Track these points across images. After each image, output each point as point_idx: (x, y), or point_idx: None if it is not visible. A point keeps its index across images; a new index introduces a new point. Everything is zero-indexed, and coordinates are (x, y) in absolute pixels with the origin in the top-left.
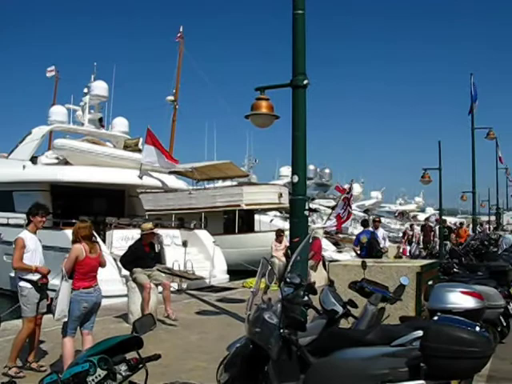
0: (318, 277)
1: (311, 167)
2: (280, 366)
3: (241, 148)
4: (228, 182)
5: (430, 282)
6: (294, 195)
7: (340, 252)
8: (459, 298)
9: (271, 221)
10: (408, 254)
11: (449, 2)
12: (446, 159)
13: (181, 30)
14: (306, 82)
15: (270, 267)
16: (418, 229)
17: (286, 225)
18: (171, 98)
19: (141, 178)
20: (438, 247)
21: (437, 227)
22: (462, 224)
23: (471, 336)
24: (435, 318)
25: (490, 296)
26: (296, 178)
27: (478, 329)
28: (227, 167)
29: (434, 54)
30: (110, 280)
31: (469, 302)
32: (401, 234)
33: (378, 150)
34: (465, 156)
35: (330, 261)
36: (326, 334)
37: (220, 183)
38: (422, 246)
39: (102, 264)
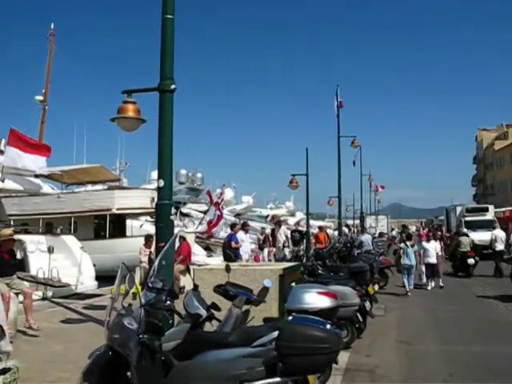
0: (188, 281)
1: (183, 171)
2: (142, 371)
3: (112, 150)
4: (99, 186)
5: (293, 284)
6: (160, 200)
7: (211, 256)
8: (314, 298)
9: (141, 226)
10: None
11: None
12: (316, 165)
13: (52, 27)
14: (173, 86)
15: (129, 272)
16: (267, 233)
17: None
18: (40, 97)
19: (2, 181)
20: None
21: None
22: (321, 228)
23: (322, 333)
24: (290, 318)
25: (346, 295)
26: (162, 183)
27: (328, 326)
28: (98, 171)
29: (306, 64)
30: None
31: (324, 302)
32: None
33: (250, 155)
34: (334, 162)
35: (199, 265)
36: (190, 338)
37: (90, 187)
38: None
39: None
